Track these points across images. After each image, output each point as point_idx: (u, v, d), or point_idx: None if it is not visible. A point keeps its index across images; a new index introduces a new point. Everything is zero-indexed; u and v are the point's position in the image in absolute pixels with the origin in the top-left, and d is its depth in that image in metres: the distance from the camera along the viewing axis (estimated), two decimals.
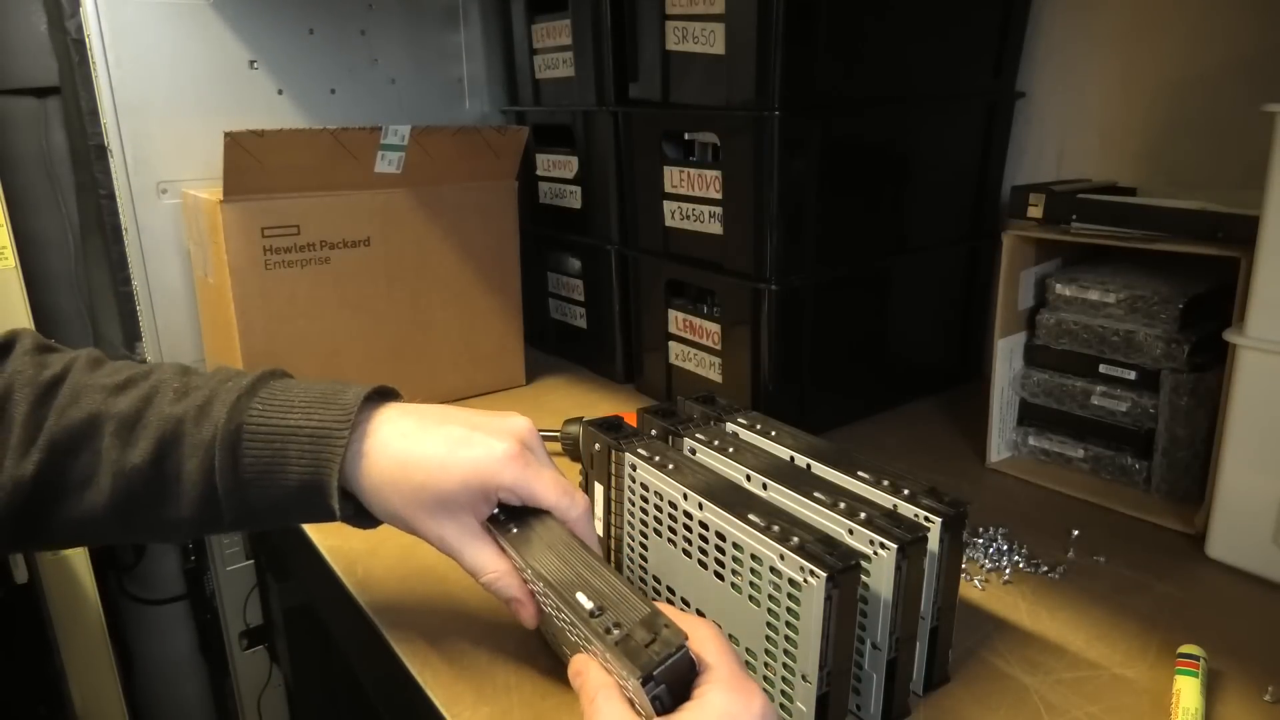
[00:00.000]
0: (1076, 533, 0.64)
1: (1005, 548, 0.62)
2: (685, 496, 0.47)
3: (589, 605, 0.40)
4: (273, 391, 0.48)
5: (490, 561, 0.46)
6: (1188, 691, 0.46)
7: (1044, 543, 0.63)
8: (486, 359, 0.95)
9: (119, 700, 1.19)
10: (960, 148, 0.88)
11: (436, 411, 0.49)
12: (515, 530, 0.46)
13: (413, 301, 0.87)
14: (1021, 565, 0.61)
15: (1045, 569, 0.60)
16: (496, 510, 0.47)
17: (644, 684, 0.35)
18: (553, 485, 0.46)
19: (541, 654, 0.52)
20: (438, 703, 0.48)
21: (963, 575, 0.59)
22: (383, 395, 0.50)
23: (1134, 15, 0.82)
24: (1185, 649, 0.49)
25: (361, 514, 0.48)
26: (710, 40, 0.75)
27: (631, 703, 0.36)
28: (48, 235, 1.14)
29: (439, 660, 0.51)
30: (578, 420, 0.77)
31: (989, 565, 0.61)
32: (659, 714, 0.35)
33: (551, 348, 1.09)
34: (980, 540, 0.63)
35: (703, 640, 0.37)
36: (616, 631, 0.38)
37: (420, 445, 0.46)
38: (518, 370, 0.97)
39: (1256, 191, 0.55)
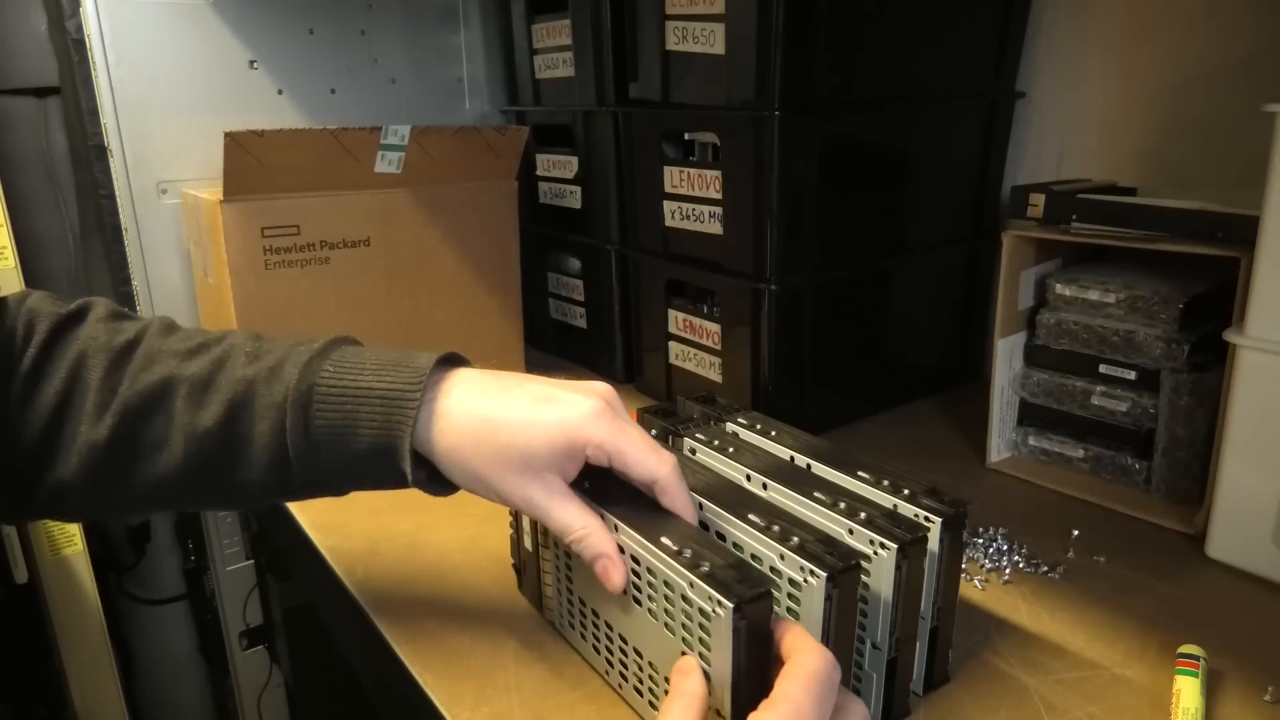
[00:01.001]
0: (1076, 533, 0.64)
1: (1005, 548, 0.62)
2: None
3: (675, 546, 0.41)
4: (344, 355, 0.48)
5: (578, 518, 0.45)
6: (1188, 691, 0.46)
7: (1044, 543, 0.63)
8: (486, 359, 0.94)
9: (119, 700, 1.19)
10: (960, 148, 0.88)
11: (513, 375, 0.48)
12: (586, 485, 0.47)
13: (413, 301, 0.87)
14: (1021, 565, 0.61)
15: (1045, 569, 0.60)
16: (584, 482, 0.47)
17: (735, 610, 0.36)
18: (641, 442, 0.45)
19: (542, 654, 0.52)
20: (438, 703, 0.48)
21: (963, 575, 0.59)
22: (454, 361, 0.49)
23: (1134, 15, 0.82)
24: (1185, 649, 0.49)
25: (436, 479, 0.47)
26: (710, 40, 0.75)
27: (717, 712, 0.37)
28: (48, 235, 1.14)
29: (439, 660, 0.51)
30: None
31: (989, 565, 0.61)
32: (734, 661, 0.37)
33: (551, 348, 1.09)
34: (980, 540, 0.63)
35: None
36: (705, 566, 0.39)
37: (503, 404, 0.45)
38: (518, 370, 0.97)
39: (1256, 191, 0.55)
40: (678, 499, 0.45)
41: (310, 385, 0.46)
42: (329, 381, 0.46)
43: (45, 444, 0.46)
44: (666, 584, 0.41)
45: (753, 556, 0.43)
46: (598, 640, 0.49)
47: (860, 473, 0.49)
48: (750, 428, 0.56)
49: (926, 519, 0.45)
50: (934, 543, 0.45)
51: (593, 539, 0.44)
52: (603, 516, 0.45)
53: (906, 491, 0.47)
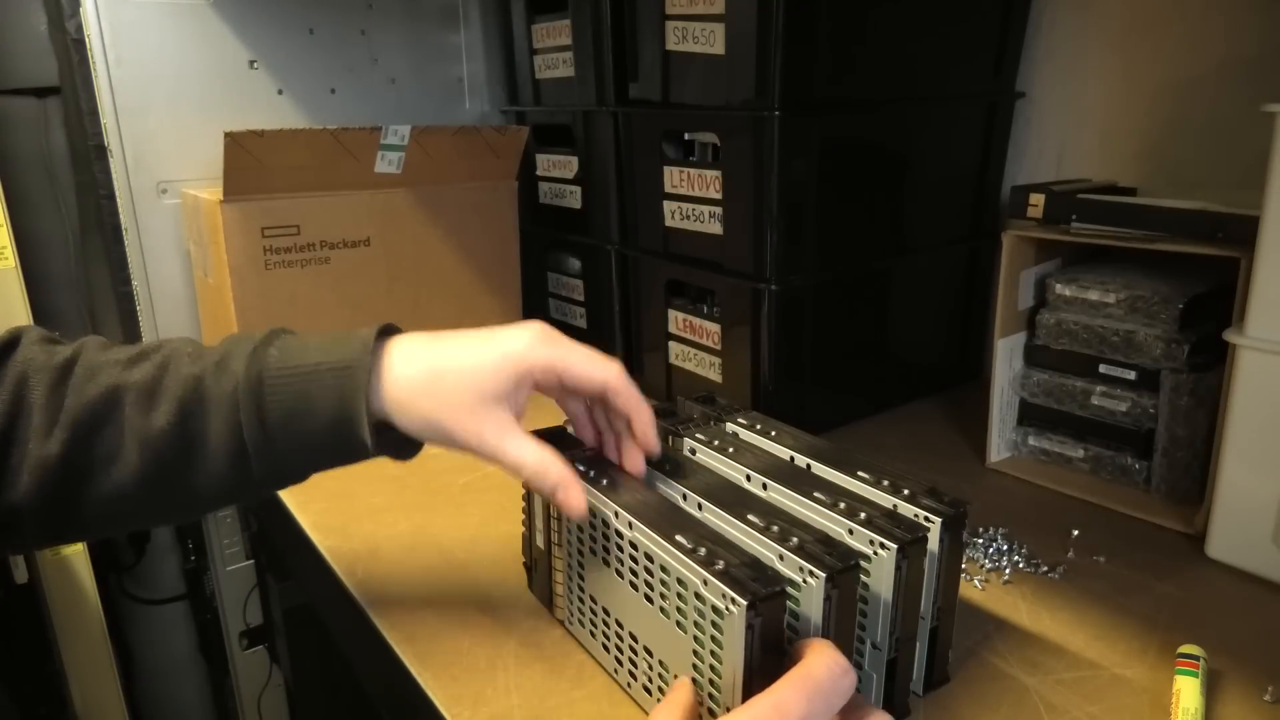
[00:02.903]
0: (1076, 533, 0.64)
1: (1005, 548, 0.62)
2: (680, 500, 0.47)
3: (689, 544, 0.41)
4: (287, 341, 0.48)
5: (532, 452, 0.46)
6: (1188, 691, 0.46)
7: (1044, 543, 0.63)
8: None
9: (119, 700, 1.19)
10: (960, 148, 0.88)
11: (450, 332, 0.49)
12: (605, 482, 0.47)
13: (413, 301, 0.87)
14: (1021, 565, 0.61)
15: (1045, 569, 0.60)
16: (578, 465, 0.48)
17: (749, 608, 0.36)
18: (584, 354, 0.47)
19: (542, 654, 0.52)
20: (438, 703, 0.48)
21: (963, 575, 0.59)
22: (392, 330, 0.50)
23: (1134, 15, 0.82)
24: (1185, 649, 0.49)
25: (392, 445, 0.48)
26: (710, 40, 0.75)
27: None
28: (48, 235, 1.14)
29: (439, 660, 0.51)
30: None
31: (989, 565, 0.61)
32: (746, 660, 0.37)
33: None
34: (980, 540, 0.63)
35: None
36: (720, 564, 0.39)
37: (447, 351, 0.47)
38: None
39: (1256, 191, 0.55)
40: (630, 397, 0.47)
41: (259, 372, 0.46)
42: (276, 366, 0.46)
43: None
44: (680, 581, 0.41)
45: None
46: (607, 638, 0.49)
47: (860, 473, 0.49)
48: (750, 428, 0.56)
49: (926, 519, 0.45)
50: (934, 543, 0.45)
51: (550, 471, 0.45)
52: (615, 514, 0.46)
53: (906, 492, 0.47)
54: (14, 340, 0.48)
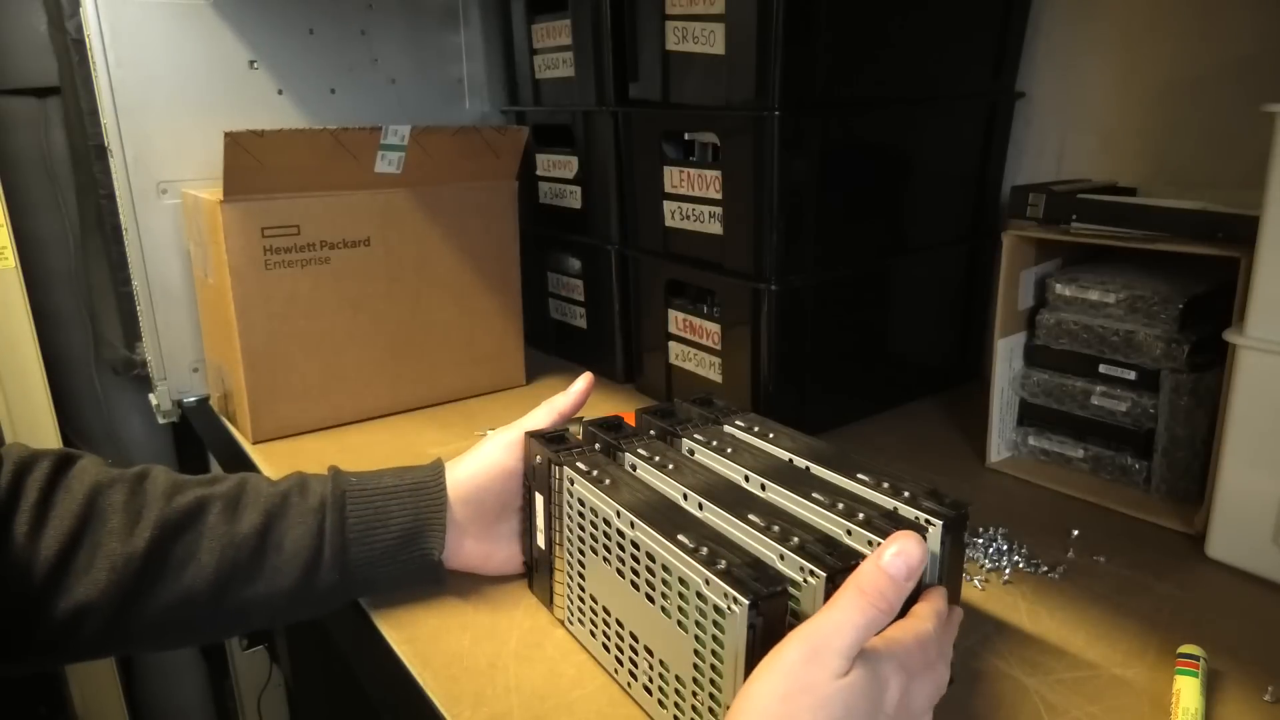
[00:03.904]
0: (1076, 533, 0.64)
1: (1005, 548, 0.62)
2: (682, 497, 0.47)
3: (692, 544, 0.41)
4: (361, 472, 0.56)
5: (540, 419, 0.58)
6: (1188, 691, 0.46)
7: (1044, 543, 0.63)
8: (486, 359, 0.94)
9: (119, 700, 1.19)
10: (960, 148, 0.88)
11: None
12: (607, 481, 0.48)
13: (413, 301, 0.87)
14: (1021, 565, 0.61)
15: (1045, 569, 0.60)
16: (580, 464, 0.51)
17: (751, 607, 0.37)
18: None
19: (542, 654, 0.52)
20: (438, 703, 0.48)
21: (963, 575, 0.59)
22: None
23: (1134, 15, 0.82)
24: (1185, 649, 0.49)
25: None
26: (710, 40, 0.75)
27: None
28: (48, 235, 1.14)
29: (439, 660, 0.51)
30: (578, 421, 0.76)
31: (989, 565, 0.61)
32: (748, 660, 0.37)
33: (551, 348, 1.09)
34: (980, 540, 0.63)
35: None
36: (722, 564, 0.40)
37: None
38: (518, 370, 0.97)
39: (1256, 191, 0.55)
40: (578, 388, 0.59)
41: (343, 490, 0.53)
42: (357, 486, 0.54)
43: (60, 568, 0.46)
44: (681, 581, 0.41)
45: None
46: (607, 638, 0.49)
47: (860, 475, 0.49)
48: (748, 429, 0.56)
49: (928, 521, 0.45)
50: (935, 544, 0.45)
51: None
52: (617, 514, 0.46)
53: (907, 494, 0.47)
54: (71, 457, 0.50)
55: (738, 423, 0.57)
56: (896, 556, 0.38)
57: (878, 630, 0.37)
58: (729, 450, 0.52)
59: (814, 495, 0.46)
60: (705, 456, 0.53)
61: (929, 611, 0.41)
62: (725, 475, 0.50)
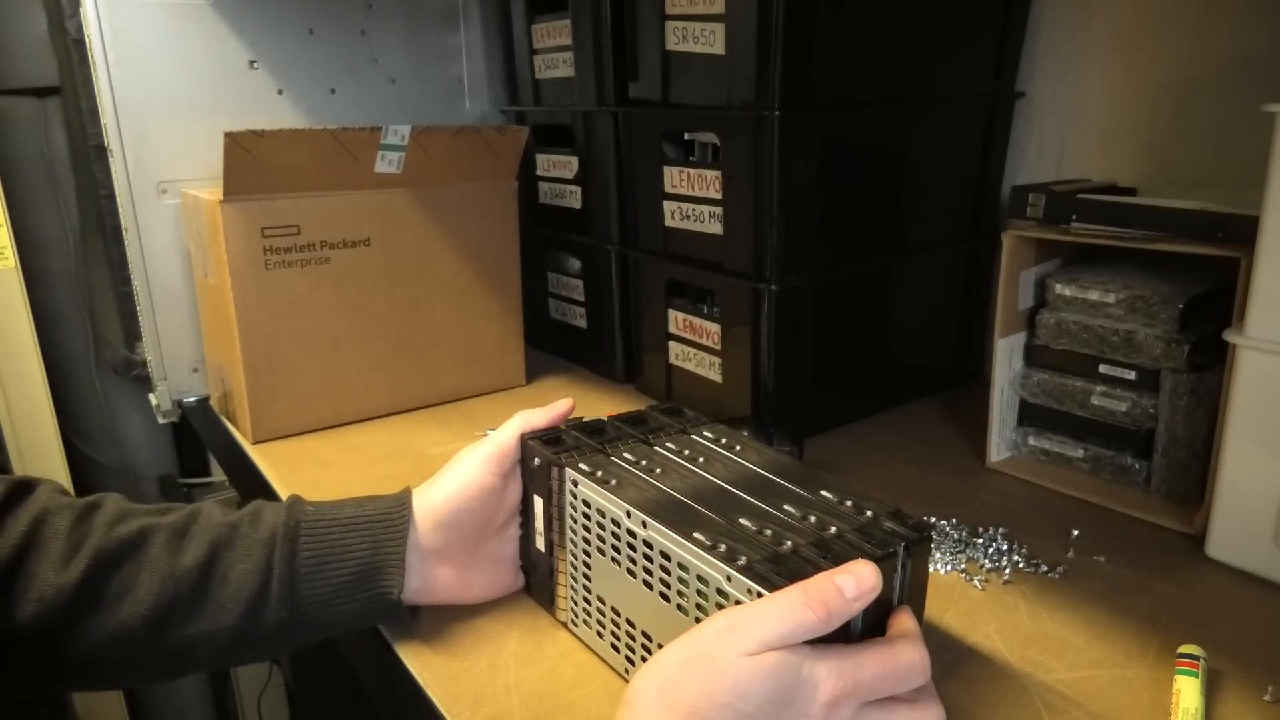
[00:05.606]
0: (1076, 533, 0.64)
1: (1005, 548, 0.62)
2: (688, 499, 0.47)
3: (709, 541, 0.41)
4: (318, 502, 0.52)
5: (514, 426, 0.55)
6: (1188, 691, 0.46)
7: (1044, 543, 0.63)
8: (486, 359, 0.94)
9: (119, 700, 1.19)
10: (960, 148, 0.88)
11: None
12: (613, 481, 0.48)
13: (413, 301, 0.87)
14: (1021, 565, 0.61)
15: (1045, 569, 0.60)
16: (582, 465, 0.51)
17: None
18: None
19: (542, 654, 0.52)
20: (438, 703, 0.48)
21: (962, 575, 0.59)
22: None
23: (1134, 15, 0.82)
24: (1185, 649, 0.49)
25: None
26: (710, 40, 0.75)
27: None
28: (48, 235, 1.14)
29: (439, 660, 0.51)
30: (578, 421, 0.76)
31: (989, 565, 0.61)
32: None
33: (551, 348, 1.09)
34: (980, 540, 0.63)
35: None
36: (742, 560, 0.40)
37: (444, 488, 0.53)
38: (518, 370, 0.97)
39: (1256, 191, 0.55)
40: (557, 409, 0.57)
41: (297, 521, 0.49)
42: (315, 515, 0.50)
43: None
44: (700, 578, 0.41)
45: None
46: (617, 638, 0.49)
47: (823, 492, 0.48)
48: (715, 442, 0.55)
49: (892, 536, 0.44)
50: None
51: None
52: (627, 514, 0.46)
53: (870, 514, 0.45)
54: (28, 484, 0.48)
55: (705, 434, 0.56)
56: (848, 574, 0.38)
57: (810, 635, 0.37)
58: (700, 460, 0.52)
59: (785, 507, 0.46)
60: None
61: (905, 643, 0.39)
62: (667, 491, 0.49)
